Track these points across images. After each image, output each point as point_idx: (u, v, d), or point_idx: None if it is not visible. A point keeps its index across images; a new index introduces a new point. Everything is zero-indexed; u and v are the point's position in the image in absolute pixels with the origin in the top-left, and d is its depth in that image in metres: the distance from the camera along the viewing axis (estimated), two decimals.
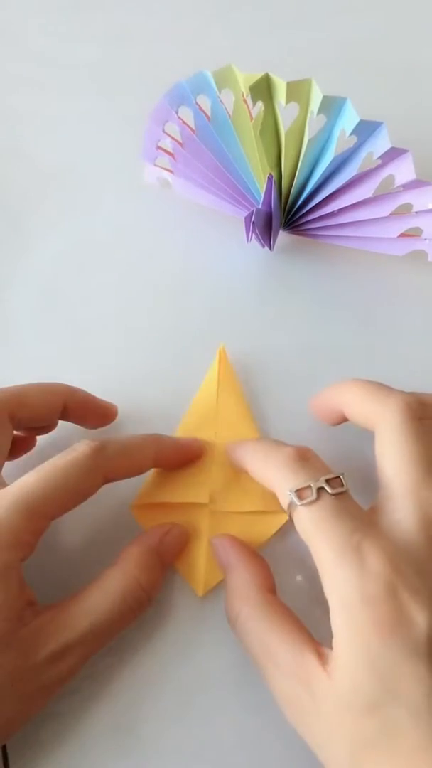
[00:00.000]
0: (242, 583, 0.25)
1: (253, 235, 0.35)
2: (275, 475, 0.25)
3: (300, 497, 0.23)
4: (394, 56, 0.47)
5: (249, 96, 0.34)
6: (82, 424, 0.31)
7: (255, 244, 0.37)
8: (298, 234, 0.37)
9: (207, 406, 0.32)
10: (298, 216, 0.36)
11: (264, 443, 0.27)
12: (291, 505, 0.24)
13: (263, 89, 0.34)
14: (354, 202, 0.34)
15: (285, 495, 0.24)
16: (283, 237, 0.38)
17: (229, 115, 0.35)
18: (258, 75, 0.33)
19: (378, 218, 0.34)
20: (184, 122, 0.36)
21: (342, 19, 0.50)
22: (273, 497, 0.25)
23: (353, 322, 0.35)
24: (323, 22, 0.50)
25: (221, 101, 0.35)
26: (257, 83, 0.33)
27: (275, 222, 0.35)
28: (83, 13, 0.52)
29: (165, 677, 0.26)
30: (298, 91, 0.33)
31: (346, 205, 0.34)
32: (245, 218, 0.34)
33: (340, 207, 0.34)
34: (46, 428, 0.30)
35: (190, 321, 0.36)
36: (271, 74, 0.33)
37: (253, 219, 0.34)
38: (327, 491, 0.23)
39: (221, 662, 0.27)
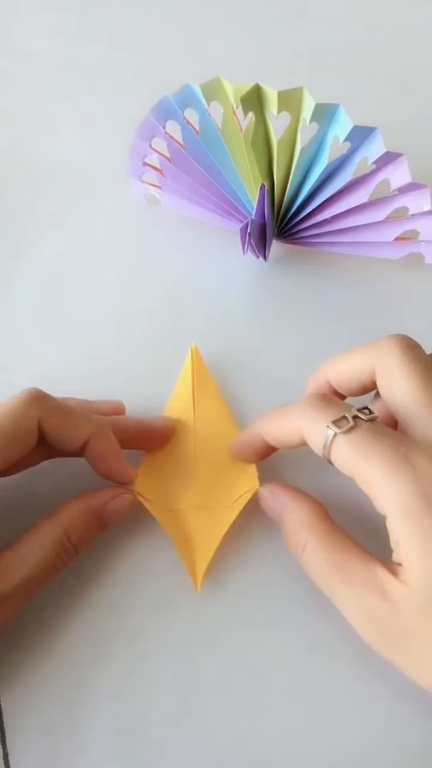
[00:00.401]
0: (305, 514, 0.26)
1: (248, 246, 0.35)
2: (303, 419, 0.25)
3: (338, 427, 0.24)
4: (387, 61, 0.48)
5: (239, 107, 0.33)
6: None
7: (249, 256, 0.36)
8: (292, 243, 0.37)
9: (184, 405, 0.31)
10: (291, 224, 0.36)
11: (277, 407, 0.27)
12: (327, 441, 0.24)
13: (254, 100, 0.34)
14: (349, 207, 0.34)
15: (321, 431, 0.24)
16: (277, 247, 0.37)
17: (218, 128, 0.34)
18: (248, 86, 0.33)
19: (373, 223, 0.34)
20: (171, 137, 0.35)
21: (336, 25, 0.51)
22: (247, 479, 0.28)
23: (351, 329, 0.35)
24: (319, 28, 0.51)
25: (209, 114, 0.34)
26: (248, 94, 0.33)
27: (268, 232, 0.35)
28: (83, 13, 0.52)
29: (165, 677, 0.26)
30: (289, 99, 0.33)
31: (341, 211, 0.34)
32: (240, 230, 0.34)
33: (335, 213, 0.34)
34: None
35: (187, 333, 0.35)
36: (261, 84, 0.33)
37: (248, 230, 0.34)
38: (361, 418, 0.24)
39: (221, 662, 0.27)
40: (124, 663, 0.27)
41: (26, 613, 0.26)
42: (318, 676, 0.27)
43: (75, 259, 0.38)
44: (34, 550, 0.25)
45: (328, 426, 0.24)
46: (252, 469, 0.29)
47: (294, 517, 0.26)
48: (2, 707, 0.26)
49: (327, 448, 0.24)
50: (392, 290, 0.36)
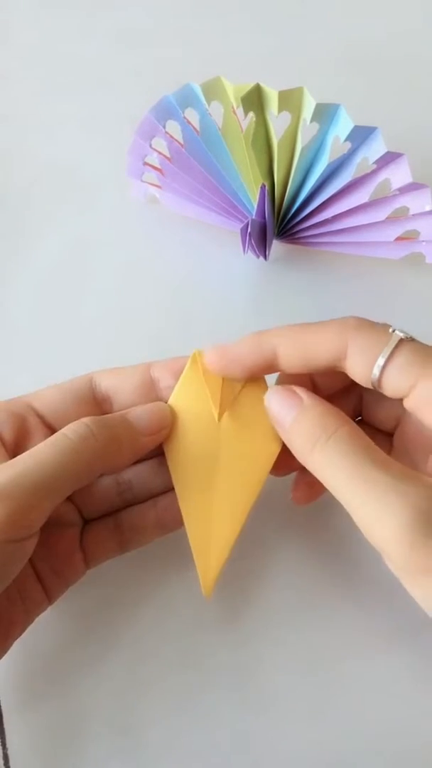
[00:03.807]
0: (333, 409, 0.22)
1: (249, 246, 0.35)
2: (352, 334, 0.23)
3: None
4: (388, 60, 0.48)
5: (239, 107, 0.33)
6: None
7: (249, 255, 0.36)
8: (293, 243, 0.37)
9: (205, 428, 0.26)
10: (292, 224, 0.36)
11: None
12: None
13: (254, 100, 0.34)
14: (350, 208, 0.34)
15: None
16: (278, 246, 0.37)
17: (219, 128, 0.34)
18: (248, 86, 0.33)
19: (374, 223, 0.34)
20: (171, 137, 0.35)
21: (337, 25, 0.50)
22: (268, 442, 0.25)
23: None
24: (319, 28, 0.50)
25: (210, 113, 0.34)
26: (248, 94, 0.33)
27: (269, 232, 0.34)
28: (83, 12, 0.52)
29: (165, 677, 0.27)
30: (290, 99, 0.33)
31: (342, 211, 0.34)
32: (241, 230, 0.34)
33: (336, 213, 0.34)
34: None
35: (187, 332, 0.35)
36: (261, 84, 0.33)
37: (249, 230, 0.33)
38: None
39: (221, 662, 0.27)
40: (125, 663, 0.27)
41: None
42: (318, 677, 0.27)
43: (75, 259, 0.38)
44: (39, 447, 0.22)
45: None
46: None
47: (318, 407, 0.22)
48: (2, 707, 0.26)
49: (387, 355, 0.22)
50: (393, 290, 0.36)
